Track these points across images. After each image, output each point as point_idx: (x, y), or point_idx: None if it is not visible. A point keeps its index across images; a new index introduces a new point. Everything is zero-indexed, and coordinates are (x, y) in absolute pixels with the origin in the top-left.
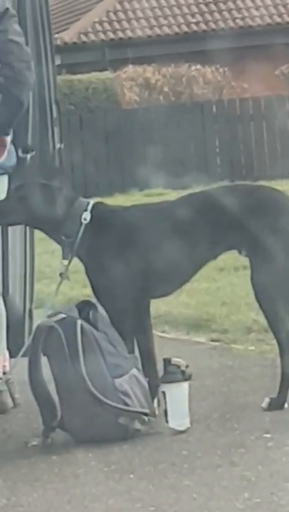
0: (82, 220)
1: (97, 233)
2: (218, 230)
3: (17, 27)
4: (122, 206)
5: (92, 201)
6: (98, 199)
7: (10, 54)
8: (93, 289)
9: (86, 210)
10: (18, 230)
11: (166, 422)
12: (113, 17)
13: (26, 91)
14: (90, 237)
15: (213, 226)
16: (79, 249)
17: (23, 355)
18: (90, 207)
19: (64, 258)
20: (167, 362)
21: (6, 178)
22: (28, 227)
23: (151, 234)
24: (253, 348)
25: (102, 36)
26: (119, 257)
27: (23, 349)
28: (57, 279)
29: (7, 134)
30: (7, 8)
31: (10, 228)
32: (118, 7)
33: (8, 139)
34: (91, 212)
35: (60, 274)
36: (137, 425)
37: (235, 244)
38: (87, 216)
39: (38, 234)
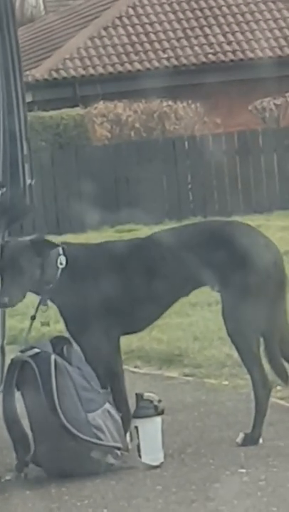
0: (59, 265)
1: (70, 274)
2: (190, 267)
3: None
4: (90, 244)
5: (60, 244)
6: (71, 236)
7: None
8: (67, 327)
9: (60, 255)
10: None
11: (140, 456)
12: (84, 53)
13: None
14: (65, 279)
15: (185, 262)
16: (55, 292)
17: None
18: (61, 251)
19: (44, 304)
20: (139, 397)
21: None
22: None
23: (122, 271)
24: (226, 382)
25: (72, 73)
26: (91, 295)
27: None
28: (30, 316)
29: None
30: None
31: None
32: (89, 43)
33: None
34: (64, 255)
35: (32, 317)
36: (110, 459)
37: (206, 280)
38: (63, 260)
39: None
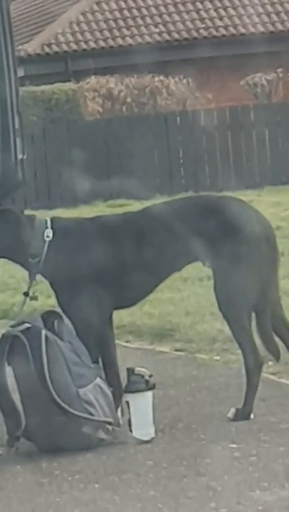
0: (45, 238)
1: (59, 248)
2: (182, 241)
3: None
4: (81, 218)
5: (48, 218)
6: (62, 210)
7: None
8: (58, 302)
9: (47, 228)
10: None
11: (131, 431)
12: (76, 28)
13: None
14: (53, 253)
15: (178, 237)
16: (43, 266)
17: None
18: (49, 223)
19: (31, 279)
20: (131, 371)
21: None
22: None
23: (114, 245)
24: (218, 357)
25: (65, 47)
26: (83, 270)
27: None
28: (21, 290)
29: None
30: None
31: None
32: (81, 18)
33: None
34: (51, 228)
35: (25, 293)
36: (101, 434)
37: (199, 255)
38: (49, 233)
39: None
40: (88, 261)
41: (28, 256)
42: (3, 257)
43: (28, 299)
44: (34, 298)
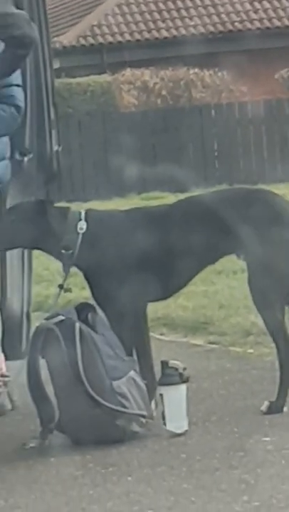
0: (79, 230)
1: (93, 240)
2: (217, 234)
3: None
4: (115, 210)
5: (83, 210)
6: (97, 202)
7: None
8: (93, 294)
9: (81, 220)
10: None
11: (164, 424)
12: (111, 20)
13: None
14: (87, 245)
15: (212, 230)
16: (77, 258)
17: (21, 358)
18: (83, 216)
19: (65, 271)
20: (165, 364)
21: None
22: None
23: (148, 238)
24: (251, 350)
25: (100, 39)
26: (118, 262)
27: (23, 351)
28: (55, 282)
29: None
30: None
31: None
32: (116, 10)
33: None
34: (85, 220)
35: (60, 286)
36: (135, 427)
37: (233, 247)
38: (83, 225)
39: None
40: (123, 253)
41: (62, 248)
42: (38, 249)
43: (62, 291)
44: (68, 290)
